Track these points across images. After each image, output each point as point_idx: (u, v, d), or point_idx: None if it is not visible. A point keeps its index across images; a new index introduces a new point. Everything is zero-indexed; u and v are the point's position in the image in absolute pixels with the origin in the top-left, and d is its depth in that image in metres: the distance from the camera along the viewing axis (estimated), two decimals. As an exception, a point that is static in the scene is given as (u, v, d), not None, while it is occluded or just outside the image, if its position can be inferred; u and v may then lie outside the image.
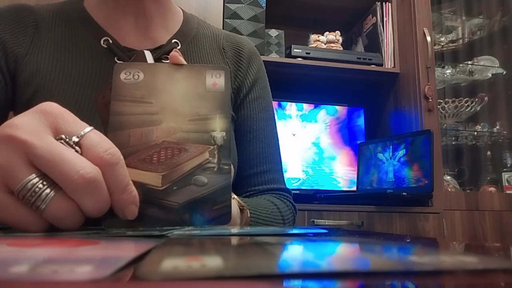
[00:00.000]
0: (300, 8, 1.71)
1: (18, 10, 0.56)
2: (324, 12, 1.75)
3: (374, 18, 1.65)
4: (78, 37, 0.56)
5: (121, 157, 0.29)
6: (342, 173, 1.62)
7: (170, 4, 0.63)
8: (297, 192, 1.48)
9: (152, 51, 0.57)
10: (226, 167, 0.33)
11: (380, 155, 1.50)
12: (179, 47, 0.59)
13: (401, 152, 1.42)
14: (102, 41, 0.56)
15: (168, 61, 0.57)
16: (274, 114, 0.68)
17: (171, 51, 0.58)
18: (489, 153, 1.75)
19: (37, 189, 0.26)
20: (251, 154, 0.62)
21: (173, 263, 0.14)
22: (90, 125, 0.30)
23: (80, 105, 0.51)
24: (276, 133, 0.67)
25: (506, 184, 1.65)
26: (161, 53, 0.57)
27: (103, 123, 0.36)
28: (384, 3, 1.64)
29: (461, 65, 1.75)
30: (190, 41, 0.62)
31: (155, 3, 0.59)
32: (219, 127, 0.34)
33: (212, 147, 0.34)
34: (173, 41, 0.59)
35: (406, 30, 1.56)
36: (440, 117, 1.63)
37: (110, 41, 0.56)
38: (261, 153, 0.63)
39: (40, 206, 0.26)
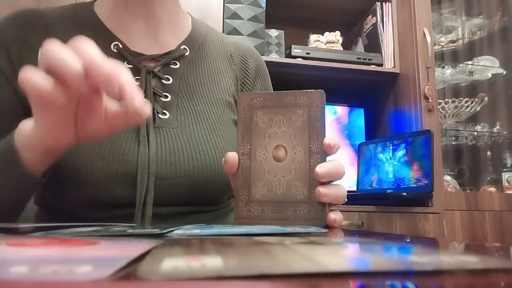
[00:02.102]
0: (300, 8, 1.71)
1: (27, 15, 0.56)
2: (324, 12, 1.74)
3: (374, 18, 1.65)
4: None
5: None
6: (342, 173, 1.61)
7: (179, 9, 0.63)
8: (297, 192, 1.47)
9: (161, 56, 0.57)
10: None
11: (380, 155, 1.50)
12: (187, 53, 0.60)
13: (401, 152, 1.42)
14: (112, 46, 0.56)
15: (177, 66, 0.58)
16: None
17: (179, 56, 0.59)
18: (489, 153, 1.75)
19: None
20: None
21: (173, 263, 0.14)
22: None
23: None
24: None
25: (506, 184, 1.65)
26: (170, 59, 0.57)
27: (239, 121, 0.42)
28: (384, 3, 1.64)
29: (461, 65, 1.75)
30: (198, 48, 0.62)
31: (163, 7, 0.59)
32: None
33: None
34: (182, 47, 0.60)
35: (406, 30, 1.56)
36: (440, 117, 1.63)
37: (120, 46, 0.56)
38: None
39: None
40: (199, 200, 0.54)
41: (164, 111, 0.54)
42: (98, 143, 0.49)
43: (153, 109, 0.53)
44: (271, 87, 0.70)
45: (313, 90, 0.40)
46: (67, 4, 0.60)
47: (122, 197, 0.49)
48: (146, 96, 0.53)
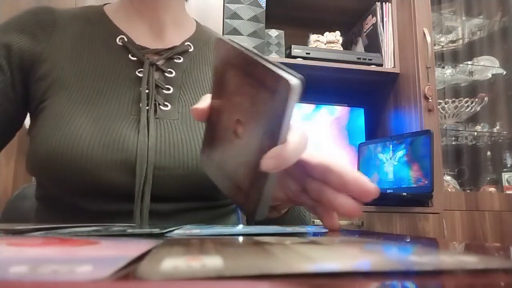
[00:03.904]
0: (300, 8, 1.71)
1: (38, 11, 0.59)
2: (324, 12, 1.74)
3: (374, 18, 1.65)
4: (95, 35, 0.59)
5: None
6: (342, 173, 1.61)
7: (184, 14, 0.65)
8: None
9: (164, 51, 0.59)
10: None
11: (380, 155, 1.50)
12: (191, 50, 0.61)
13: (401, 152, 1.42)
14: (117, 39, 0.58)
15: (180, 60, 0.59)
16: None
17: (183, 51, 0.60)
18: (489, 153, 1.75)
19: None
20: None
21: (173, 263, 0.14)
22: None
23: (91, 97, 0.53)
24: None
25: (506, 184, 1.65)
26: (173, 53, 0.59)
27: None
28: (384, 3, 1.64)
29: (461, 65, 1.75)
30: (202, 46, 0.64)
31: (168, 11, 0.61)
32: None
33: None
34: (186, 43, 0.61)
35: (406, 30, 1.56)
36: (440, 117, 1.63)
37: (125, 39, 0.58)
38: None
39: None
40: (198, 194, 0.54)
41: (165, 102, 0.55)
42: (98, 131, 0.50)
43: (155, 100, 0.54)
44: None
45: (288, 76, 0.28)
46: (78, 7, 0.64)
47: (121, 186, 0.49)
48: (148, 88, 0.54)
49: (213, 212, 0.58)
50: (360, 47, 1.76)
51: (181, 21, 0.64)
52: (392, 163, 1.44)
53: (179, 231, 0.27)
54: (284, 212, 0.48)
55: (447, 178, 1.63)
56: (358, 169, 1.58)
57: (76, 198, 0.51)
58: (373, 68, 1.58)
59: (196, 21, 0.68)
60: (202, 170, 0.52)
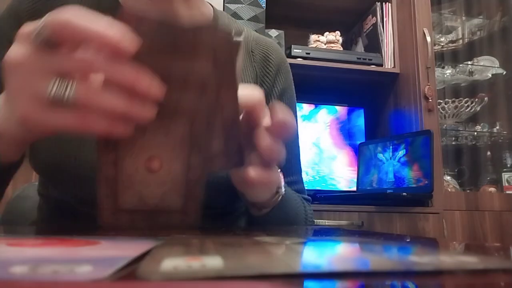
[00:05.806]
0: (300, 8, 1.71)
1: None
2: (324, 12, 1.74)
3: (374, 18, 1.65)
4: None
5: None
6: (342, 173, 1.62)
7: (200, 3, 0.62)
8: (297, 192, 1.47)
9: None
10: None
11: (380, 155, 1.50)
12: None
13: (401, 152, 1.42)
14: None
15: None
16: (297, 124, 0.68)
17: None
18: (489, 153, 1.75)
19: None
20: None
21: (173, 263, 0.14)
22: None
23: None
24: (299, 143, 0.67)
25: (506, 184, 1.65)
26: None
27: None
28: (384, 3, 1.64)
29: (461, 65, 1.75)
30: None
31: (184, 2, 0.58)
32: None
33: None
34: None
35: (406, 30, 1.56)
36: (440, 117, 1.63)
37: None
38: (287, 164, 0.63)
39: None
40: (208, 202, 0.54)
41: None
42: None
43: None
44: (293, 86, 0.68)
45: None
46: None
47: None
48: None
49: (221, 221, 0.57)
50: (360, 47, 1.76)
51: (197, 7, 0.61)
52: (392, 163, 1.44)
53: None
54: (266, 211, 0.46)
55: (447, 178, 1.63)
56: (358, 169, 1.58)
57: (80, 205, 0.50)
58: (373, 68, 1.58)
59: (213, 6, 0.65)
60: (214, 180, 0.51)
